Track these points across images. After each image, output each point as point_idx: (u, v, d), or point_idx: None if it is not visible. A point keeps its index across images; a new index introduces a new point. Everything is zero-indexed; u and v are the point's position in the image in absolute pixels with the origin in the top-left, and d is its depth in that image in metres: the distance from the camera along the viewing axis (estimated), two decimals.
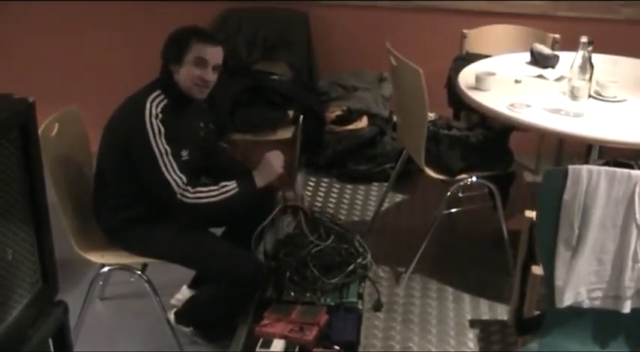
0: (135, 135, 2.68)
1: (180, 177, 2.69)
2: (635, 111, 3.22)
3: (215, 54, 2.79)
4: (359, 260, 2.89)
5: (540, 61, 3.77)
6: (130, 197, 2.79)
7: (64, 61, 4.85)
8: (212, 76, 2.79)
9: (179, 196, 2.68)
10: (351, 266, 2.84)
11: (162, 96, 2.73)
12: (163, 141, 2.66)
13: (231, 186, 2.76)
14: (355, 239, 2.97)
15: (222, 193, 2.74)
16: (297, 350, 2.51)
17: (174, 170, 2.68)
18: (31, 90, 1.91)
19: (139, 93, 2.79)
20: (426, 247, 3.49)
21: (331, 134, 4.49)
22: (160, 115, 2.67)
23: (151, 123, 2.65)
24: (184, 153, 2.77)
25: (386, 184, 4.15)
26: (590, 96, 3.16)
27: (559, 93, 3.32)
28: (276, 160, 2.89)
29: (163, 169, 2.67)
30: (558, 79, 3.55)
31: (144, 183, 2.73)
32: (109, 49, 4.76)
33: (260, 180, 2.83)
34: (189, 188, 2.70)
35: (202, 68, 2.76)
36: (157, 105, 2.69)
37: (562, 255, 2.33)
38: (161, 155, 2.66)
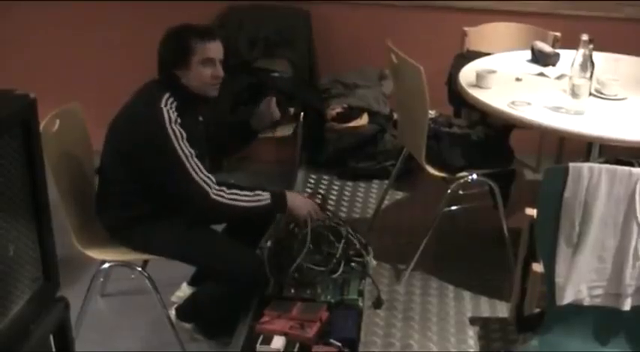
0: (156, 142, 2.66)
1: (208, 177, 2.70)
2: (636, 110, 3.22)
3: (217, 49, 2.79)
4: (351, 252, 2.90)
5: (541, 59, 3.77)
6: (136, 196, 2.79)
7: (65, 58, 4.85)
8: (221, 71, 2.80)
9: (213, 196, 2.69)
10: (339, 257, 2.84)
11: (171, 99, 2.73)
12: (186, 144, 2.67)
13: (264, 197, 2.77)
14: (355, 235, 2.96)
15: (255, 201, 2.76)
16: (297, 347, 2.51)
17: (201, 170, 2.69)
18: (32, 87, 1.91)
19: (145, 96, 2.77)
20: (426, 245, 3.49)
21: (332, 132, 4.49)
22: (179, 120, 2.68)
23: (173, 129, 2.65)
24: (194, 153, 2.77)
25: (386, 182, 4.15)
26: (590, 94, 3.16)
27: (560, 91, 3.33)
28: (312, 209, 2.88)
29: (192, 172, 2.67)
30: (559, 77, 3.55)
31: (172, 187, 2.71)
32: (110, 47, 4.76)
33: (289, 206, 2.83)
34: (223, 188, 2.71)
35: (211, 66, 2.76)
36: (172, 110, 2.69)
37: (563, 252, 2.33)
38: (187, 158, 2.67)
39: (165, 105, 2.69)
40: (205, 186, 2.69)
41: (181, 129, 2.67)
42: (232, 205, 2.72)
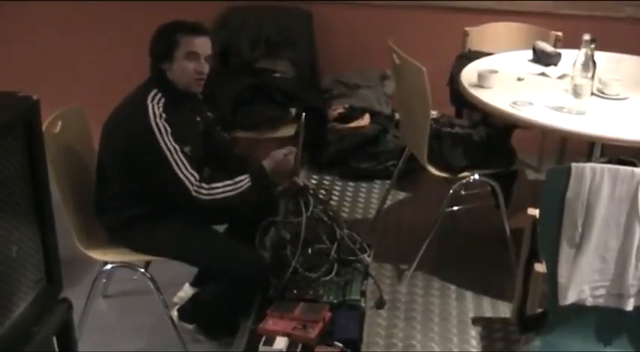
0: (141, 138, 2.67)
1: (192, 174, 2.69)
2: (638, 109, 3.22)
3: (204, 44, 2.78)
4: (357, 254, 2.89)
5: (543, 58, 3.77)
6: (133, 195, 2.79)
7: (67, 59, 4.85)
8: (206, 67, 2.80)
9: (194, 193, 2.69)
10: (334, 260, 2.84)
11: (159, 95, 2.73)
12: (171, 139, 2.66)
13: (244, 181, 2.77)
14: (352, 236, 2.96)
15: (237, 188, 2.75)
16: (300, 347, 2.51)
17: (185, 167, 2.68)
18: (34, 88, 1.91)
19: (136, 94, 2.78)
20: (428, 245, 3.49)
21: (334, 132, 4.49)
22: (164, 115, 2.67)
23: (157, 123, 2.65)
24: (186, 150, 2.76)
25: (388, 182, 4.15)
26: (592, 94, 3.16)
27: (561, 91, 3.32)
28: (289, 156, 2.90)
29: (175, 168, 2.67)
30: (561, 77, 3.55)
31: (156, 184, 2.73)
32: (112, 47, 4.76)
33: (271, 172, 2.84)
34: (203, 185, 2.71)
35: (195, 61, 2.76)
36: (158, 105, 2.69)
37: (565, 252, 2.33)
38: (171, 154, 2.66)
39: (153, 100, 2.70)
40: (187, 183, 2.68)
41: (166, 125, 2.66)
42: (214, 199, 2.72)
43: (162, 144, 2.65)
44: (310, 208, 2.85)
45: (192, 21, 2.83)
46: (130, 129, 2.72)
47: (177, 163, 2.67)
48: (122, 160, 2.75)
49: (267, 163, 2.85)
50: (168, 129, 2.66)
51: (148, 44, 2.80)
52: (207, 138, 3.00)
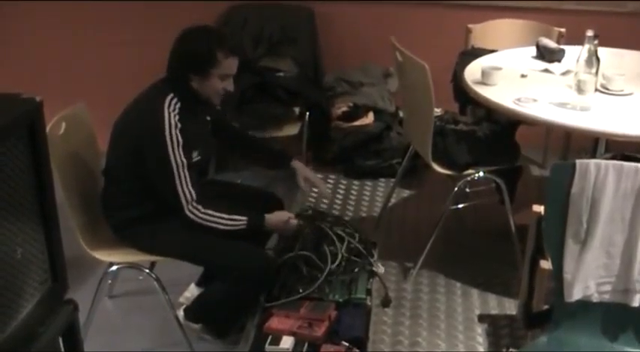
0: (153, 144, 2.68)
1: (190, 193, 2.71)
2: None
3: (236, 66, 2.80)
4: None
5: (546, 55, 3.77)
6: (140, 195, 2.80)
7: (71, 59, 4.85)
8: (233, 86, 2.82)
9: (187, 212, 2.71)
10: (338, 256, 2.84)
11: (175, 100, 2.72)
12: (181, 152, 2.67)
13: (240, 222, 2.78)
14: (359, 236, 2.96)
15: (229, 225, 2.77)
16: (306, 346, 2.51)
17: (187, 183, 2.70)
18: (38, 88, 1.91)
19: (151, 95, 2.78)
20: (433, 242, 3.49)
21: (337, 130, 4.49)
22: (179, 125, 2.67)
23: (171, 134, 2.65)
24: (195, 155, 2.77)
25: (393, 180, 4.15)
26: (596, 89, 3.15)
27: (565, 87, 3.32)
28: (291, 221, 2.89)
29: (177, 182, 2.68)
30: (564, 73, 3.55)
31: (156, 189, 2.75)
32: (116, 47, 4.76)
33: (269, 225, 2.86)
34: (199, 207, 2.72)
35: (227, 81, 2.78)
36: (175, 113, 2.69)
37: (570, 248, 2.32)
38: (177, 167, 2.67)
39: (169, 107, 2.69)
40: (183, 200, 2.70)
41: (179, 136, 2.67)
42: (203, 224, 2.74)
43: (172, 157, 2.66)
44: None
45: (225, 35, 2.83)
46: (142, 133, 2.71)
47: (180, 178, 2.69)
48: (129, 160, 2.75)
49: (269, 217, 2.86)
50: (181, 141, 2.67)
51: (176, 46, 2.76)
52: (218, 131, 3.02)
